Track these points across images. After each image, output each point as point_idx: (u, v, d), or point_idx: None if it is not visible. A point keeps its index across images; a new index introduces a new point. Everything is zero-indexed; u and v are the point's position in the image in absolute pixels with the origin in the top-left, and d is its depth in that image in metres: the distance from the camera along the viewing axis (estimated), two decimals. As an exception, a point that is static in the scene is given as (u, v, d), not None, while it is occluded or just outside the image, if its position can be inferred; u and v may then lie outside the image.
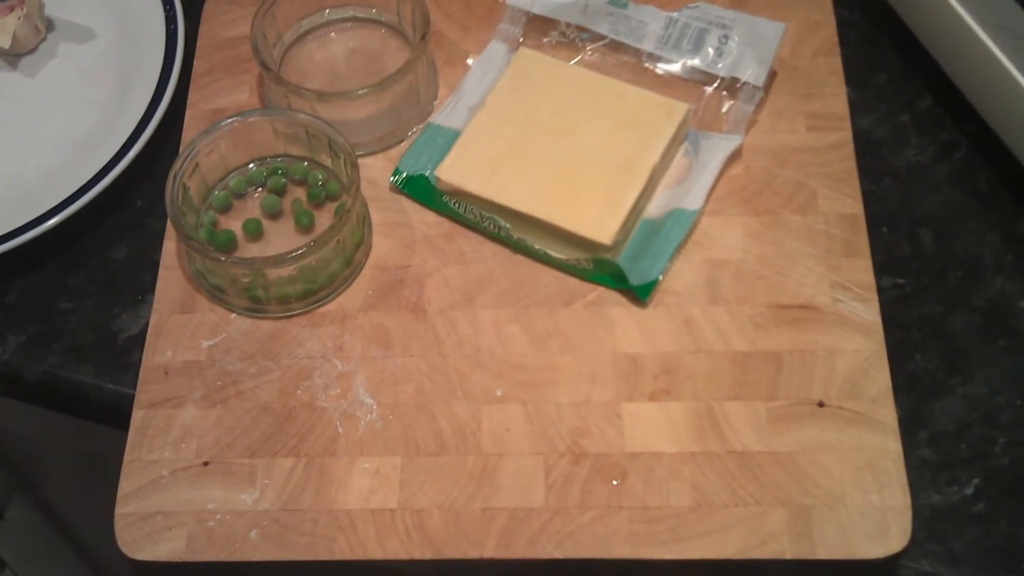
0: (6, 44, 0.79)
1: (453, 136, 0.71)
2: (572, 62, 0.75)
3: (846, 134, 0.72)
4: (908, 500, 0.60)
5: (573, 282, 0.68)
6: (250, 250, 0.70)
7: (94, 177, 0.73)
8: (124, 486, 0.63)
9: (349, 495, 0.62)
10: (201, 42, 0.80)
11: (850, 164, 0.71)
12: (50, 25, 0.82)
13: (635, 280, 0.66)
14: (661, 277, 0.67)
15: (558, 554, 0.60)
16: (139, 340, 0.68)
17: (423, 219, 0.71)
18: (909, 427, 0.63)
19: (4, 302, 0.72)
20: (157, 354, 0.67)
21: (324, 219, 0.70)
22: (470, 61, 0.76)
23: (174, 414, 0.65)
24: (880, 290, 0.67)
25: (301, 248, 0.65)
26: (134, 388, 0.66)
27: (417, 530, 0.61)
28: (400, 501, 0.61)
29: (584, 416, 0.63)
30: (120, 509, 0.62)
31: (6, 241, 0.71)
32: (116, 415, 0.67)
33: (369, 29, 0.78)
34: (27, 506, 1.09)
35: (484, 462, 0.62)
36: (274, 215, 0.71)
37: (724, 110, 0.72)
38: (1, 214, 0.72)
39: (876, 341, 0.64)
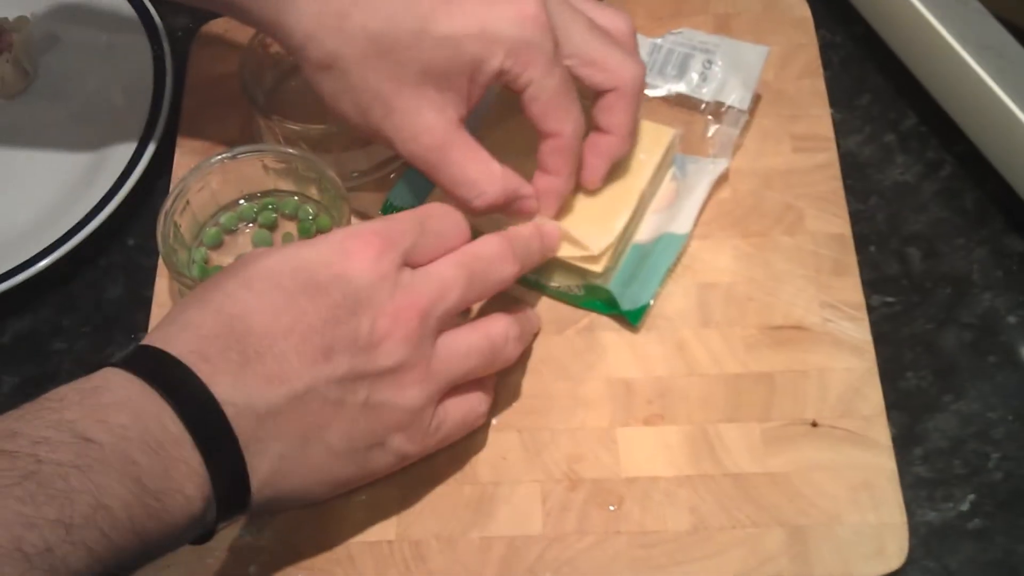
0: (-5, 87, 0.80)
1: (442, 167, 0.72)
2: (558, 91, 0.75)
3: (832, 155, 0.72)
4: (904, 518, 0.60)
5: (565, 309, 0.68)
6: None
7: (85, 217, 0.73)
8: (122, 525, 0.63)
9: (346, 528, 0.62)
10: (190, 79, 0.80)
11: (836, 184, 0.71)
12: (38, 67, 0.83)
13: (626, 305, 0.66)
14: (652, 301, 0.67)
15: (557, 581, 0.60)
16: (133, 378, 0.68)
17: (414, 250, 0.71)
18: (903, 445, 0.64)
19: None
20: (152, 392, 0.67)
21: (315, 253, 0.71)
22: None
23: (170, 451, 0.64)
24: (870, 309, 0.67)
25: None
26: (129, 426, 0.66)
27: (415, 561, 0.61)
28: (398, 533, 0.61)
29: (579, 442, 0.64)
30: (118, 548, 0.62)
31: (-1, 283, 0.71)
32: (112, 454, 0.67)
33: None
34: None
35: (481, 491, 0.62)
36: (265, 250, 0.71)
37: (710, 134, 0.73)
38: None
39: (868, 360, 0.65)
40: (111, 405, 0.49)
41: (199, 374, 0.51)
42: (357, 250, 0.55)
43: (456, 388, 0.60)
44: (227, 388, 0.51)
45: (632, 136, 0.66)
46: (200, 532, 0.52)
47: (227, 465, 0.51)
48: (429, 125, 0.61)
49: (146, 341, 0.53)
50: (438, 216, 0.60)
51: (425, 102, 0.60)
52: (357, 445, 0.56)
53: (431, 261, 0.58)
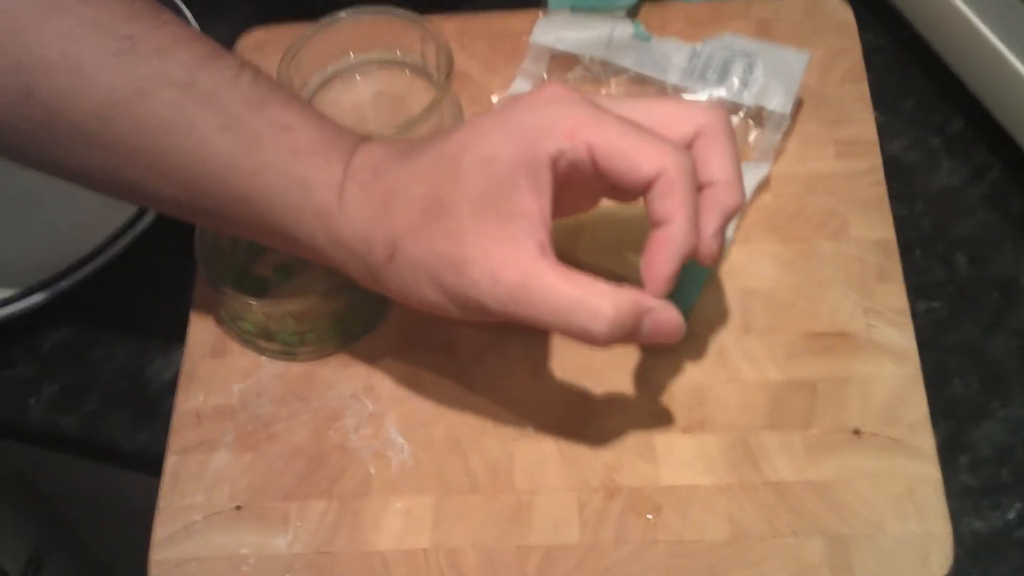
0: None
1: (480, 174, 0.71)
2: (597, 97, 0.75)
3: (876, 159, 0.71)
4: (949, 527, 0.58)
5: (603, 316, 0.67)
6: (282, 294, 0.70)
7: (125, 225, 0.73)
8: (158, 533, 0.63)
9: (382, 536, 0.61)
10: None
11: (881, 189, 0.70)
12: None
13: (666, 312, 0.66)
14: (693, 308, 0.66)
15: (594, 591, 0.59)
16: (171, 386, 0.68)
17: (452, 258, 0.71)
18: (949, 453, 0.62)
19: (39, 352, 0.73)
20: (189, 399, 0.67)
21: (353, 261, 0.70)
22: (495, 99, 0.77)
23: (206, 459, 0.64)
24: (915, 315, 0.66)
25: (330, 292, 0.65)
26: (167, 434, 0.66)
27: (451, 570, 0.60)
28: (433, 541, 0.61)
29: (617, 450, 0.63)
30: (155, 556, 0.62)
31: (39, 292, 0.72)
32: (150, 462, 0.67)
33: (394, 71, 0.78)
34: (65, 558, 1.09)
35: (517, 499, 0.62)
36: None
37: (751, 139, 0.72)
38: (33, 265, 0.73)
39: (912, 366, 0.63)
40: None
41: None
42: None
43: None
44: None
45: (695, 223, 0.54)
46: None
47: None
48: (505, 260, 0.53)
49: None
50: None
51: (492, 239, 0.53)
52: None
53: None
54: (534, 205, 0.53)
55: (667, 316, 0.54)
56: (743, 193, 0.56)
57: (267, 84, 0.58)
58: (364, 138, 0.59)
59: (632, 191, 0.54)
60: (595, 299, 0.52)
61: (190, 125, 0.55)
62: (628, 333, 0.53)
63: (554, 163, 0.53)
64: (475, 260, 0.53)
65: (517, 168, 0.53)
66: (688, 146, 0.55)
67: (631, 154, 0.52)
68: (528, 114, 0.54)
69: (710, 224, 0.55)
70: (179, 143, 0.56)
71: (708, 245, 0.55)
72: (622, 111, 0.54)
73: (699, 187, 0.55)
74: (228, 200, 0.57)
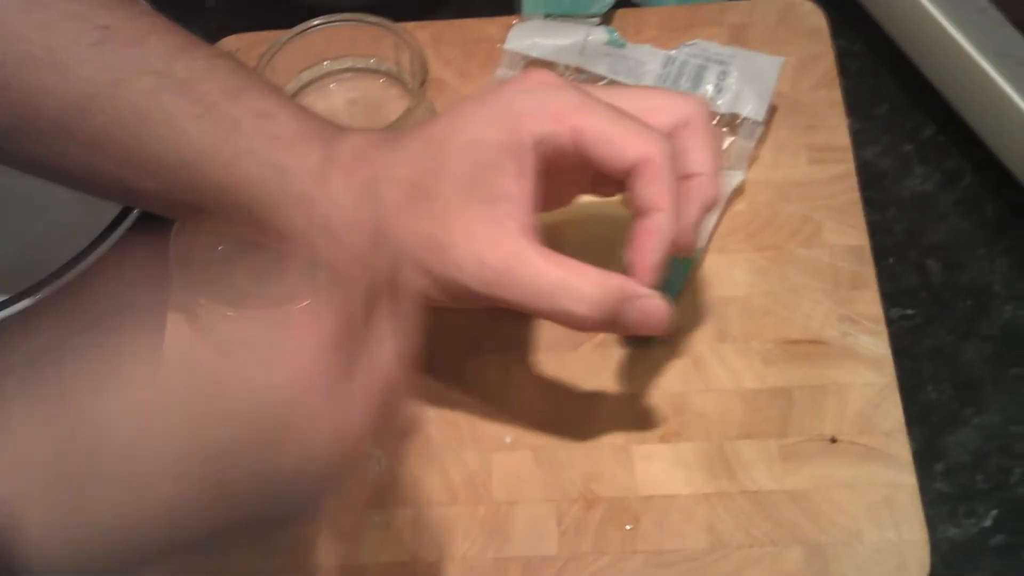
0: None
1: (455, 183, 0.71)
2: (572, 104, 0.75)
3: (849, 166, 0.71)
4: (925, 534, 0.59)
5: (580, 325, 0.68)
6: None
7: (101, 234, 0.73)
8: (135, 547, 0.62)
9: (361, 550, 0.61)
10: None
11: (854, 196, 0.70)
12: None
13: (642, 321, 0.66)
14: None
15: (573, 602, 0.59)
16: (147, 399, 0.68)
17: (428, 267, 0.71)
18: (924, 460, 0.63)
19: (12, 364, 0.72)
20: (165, 412, 0.66)
21: (329, 270, 0.70)
22: (470, 107, 0.76)
23: (183, 473, 0.64)
24: (889, 321, 0.66)
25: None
26: (143, 447, 0.65)
27: (430, 582, 0.60)
28: (412, 554, 0.61)
29: (595, 460, 0.63)
30: (132, 570, 0.62)
31: (15, 303, 0.71)
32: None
33: (368, 79, 0.78)
34: None
35: (495, 511, 0.62)
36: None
37: (725, 147, 0.72)
38: (9, 275, 0.72)
39: (887, 374, 0.64)
40: None
41: None
42: None
43: None
44: None
45: (679, 211, 0.55)
46: None
47: None
48: (489, 241, 0.53)
49: None
50: None
51: (477, 221, 0.53)
52: None
53: None
54: (518, 188, 0.53)
55: (654, 303, 0.54)
56: (720, 187, 0.57)
57: (245, 74, 0.58)
58: (345, 128, 0.59)
59: (615, 178, 0.54)
60: (579, 282, 0.52)
61: (166, 114, 0.55)
62: (612, 319, 0.53)
63: (539, 146, 0.53)
64: (459, 243, 0.53)
65: (502, 151, 0.53)
66: (669, 136, 0.56)
67: (616, 140, 0.53)
68: (514, 98, 0.54)
69: (689, 214, 0.56)
70: (156, 133, 0.55)
71: (687, 234, 0.56)
72: (607, 98, 0.55)
73: (680, 178, 0.55)
74: (206, 191, 0.57)
